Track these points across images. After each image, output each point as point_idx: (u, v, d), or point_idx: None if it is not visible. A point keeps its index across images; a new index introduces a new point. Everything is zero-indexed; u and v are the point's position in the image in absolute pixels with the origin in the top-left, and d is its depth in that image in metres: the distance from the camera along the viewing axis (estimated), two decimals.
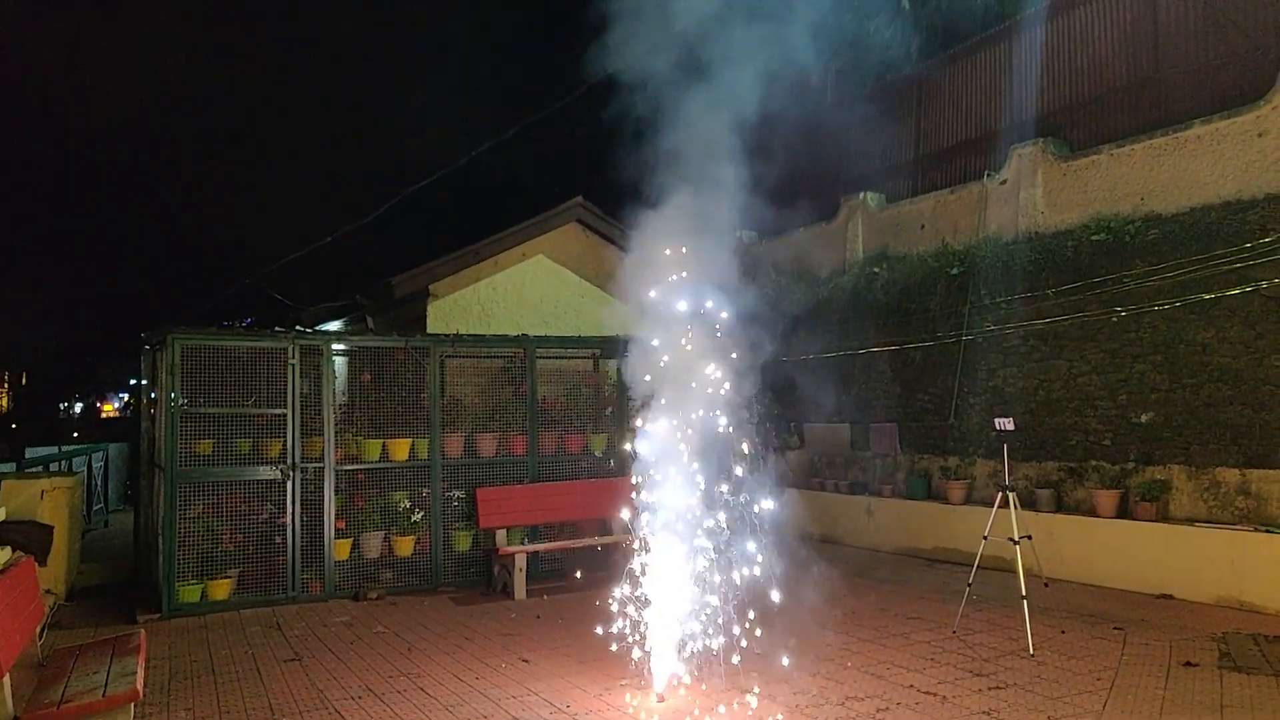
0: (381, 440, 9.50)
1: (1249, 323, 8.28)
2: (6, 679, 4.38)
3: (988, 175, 11.08)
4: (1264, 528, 7.87)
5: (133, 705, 4.69)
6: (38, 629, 5.66)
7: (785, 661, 6.18)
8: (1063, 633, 7.09)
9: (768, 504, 5.94)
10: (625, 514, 6.04)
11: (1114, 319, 9.28)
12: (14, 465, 14.06)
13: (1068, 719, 5.27)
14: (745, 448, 5.90)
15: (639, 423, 6.08)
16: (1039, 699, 5.61)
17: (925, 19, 13.15)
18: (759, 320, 6.31)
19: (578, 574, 8.19)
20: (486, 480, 9.87)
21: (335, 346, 9.63)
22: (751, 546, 5.89)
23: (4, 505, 7.59)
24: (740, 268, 6.48)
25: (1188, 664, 6.24)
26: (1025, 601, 6.75)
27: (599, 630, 6.19)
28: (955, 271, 11.00)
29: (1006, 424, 7.29)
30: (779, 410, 12.40)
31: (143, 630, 6.10)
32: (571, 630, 7.63)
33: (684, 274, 5.86)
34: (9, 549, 6.93)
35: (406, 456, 9.58)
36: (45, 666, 5.29)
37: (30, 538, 7.85)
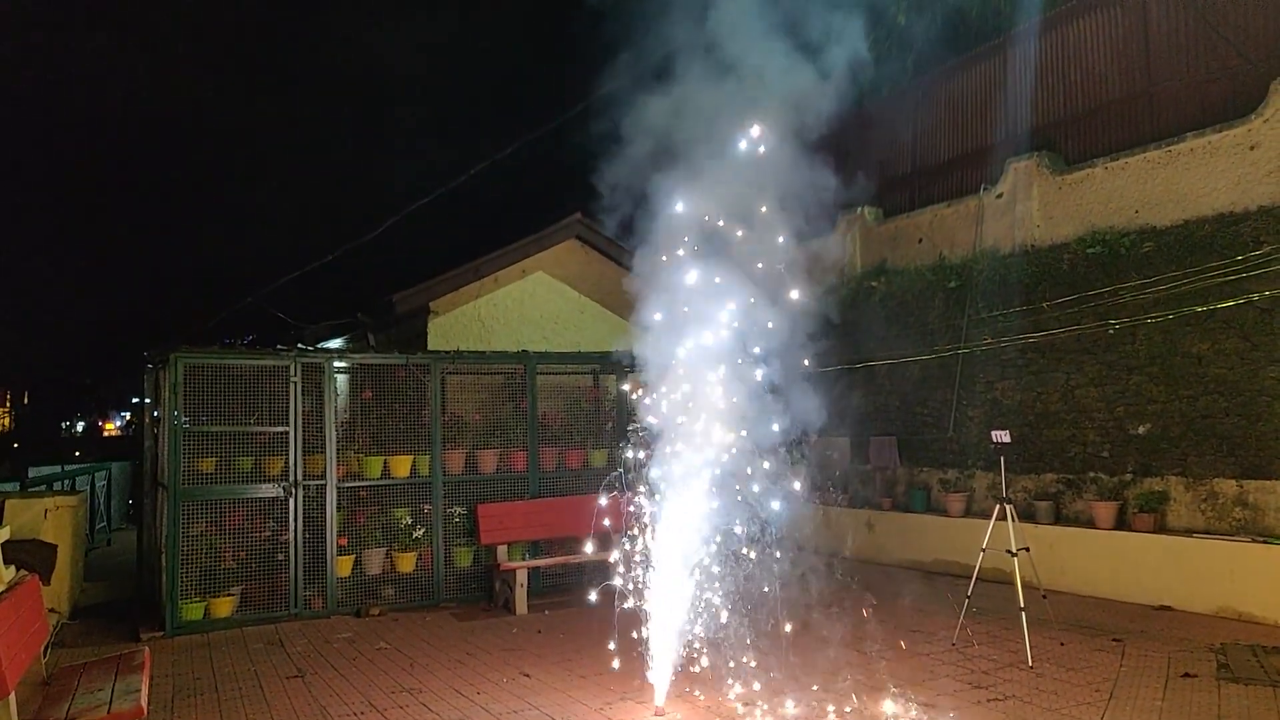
0: (383, 457, 9.56)
1: (1244, 334, 8.34)
2: (12, 697, 4.42)
3: (984, 189, 11.17)
4: (1261, 538, 7.91)
5: None
6: (43, 647, 5.70)
7: (784, 674, 6.20)
8: (1061, 644, 7.12)
9: (773, 518, 6.01)
10: (627, 527, 6.10)
11: (1110, 331, 9.34)
12: (17, 484, 14.11)
13: None
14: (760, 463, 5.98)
15: (641, 437, 6.14)
16: (1038, 711, 5.64)
17: (921, 33, 13.27)
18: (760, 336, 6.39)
19: (590, 596, 8.21)
20: (487, 496, 9.91)
21: (336, 364, 9.69)
22: (753, 560, 5.95)
23: (8, 524, 7.64)
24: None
25: (1186, 675, 6.27)
26: (1023, 613, 6.79)
27: (599, 644, 6.23)
28: (952, 285, 11.07)
29: (1004, 437, 7.35)
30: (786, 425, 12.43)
31: (146, 648, 6.14)
32: (572, 645, 7.66)
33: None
34: (13, 568, 6.98)
35: (408, 473, 9.63)
36: (50, 684, 5.33)
37: (34, 556, 7.88)
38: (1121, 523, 8.95)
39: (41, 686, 5.40)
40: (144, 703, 4.71)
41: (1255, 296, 8.23)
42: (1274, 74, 8.51)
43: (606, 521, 9.00)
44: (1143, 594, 8.49)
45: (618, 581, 6.22)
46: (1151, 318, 8.99)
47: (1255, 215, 8.40)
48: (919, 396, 11.44)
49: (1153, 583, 8.43)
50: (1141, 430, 9.08)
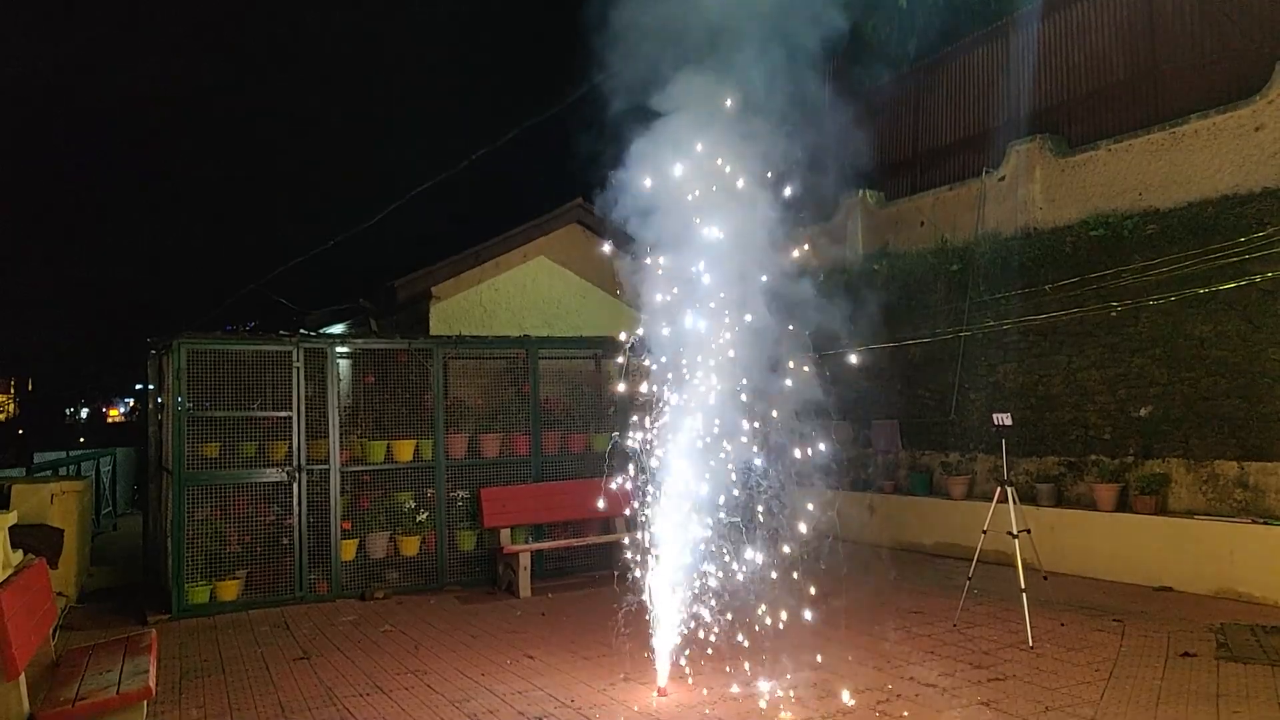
0: (386, 441, 9.60)
1: (1246, 316, 8.34)
2: (22, 678, 4.46)
3: (986, 172, 11.13)
4: (1262, 519, 7.93)
5: (145, 703, 4.79)
6: (51, 630, 5.75)
7: (787, 654, 6.25)
8: (1062, 625, 7.16)
9: (777, 502, 6.04)
10: (629, 510, 6.14)
11: (1112, 314, 9.34)
12: (23, 470, 14.19)
13: (1066, 709, 5.34)
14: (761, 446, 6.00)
15: (642, 421, 6.16)
16: (1038, 690, 5.68)
17: (923, 15, 13.20)
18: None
19: (591, 572, 8.25)
20: (490, 480, 9.96)
21: (339, 349, 9.72)
22: (755, 543, 5.98)
23: (15, 509, 7.68)
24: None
25: (1185, 655, 6.31)
26: (1024, 595, 6.82)
27: (602, 627, 6.28)
28: (955, 268, 11.06)
29: (1005, 419, 7.36)
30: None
31: (154, 630, 6.19)
32: (575, 627, 7.71)
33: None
34: (21, 552, 7.03)
35: (411, 457, 9.67)
36: (59, 666, 5.38)
37: (42, 540, 7.94)
38: (1123, 505, 8.98)
39: (51, 668, 5.45)
40: (152, 683, 4.76)
41: (1258, 278, 8.22)
42: (1279, 55, 8.46)
43: (609, 505, 9.04)
44: (1144, 575, 8.52)
45: (621, 564, 6.26)
46: (1154, 300, 8.98)
47: (1259, 197, 8.37)
48: (921, 380, 11.46)
49: (1153, 564, 8.46)
50: (1143, 412, 9.09)
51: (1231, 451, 8.38)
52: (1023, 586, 6.85)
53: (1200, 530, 8.19)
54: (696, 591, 6.00)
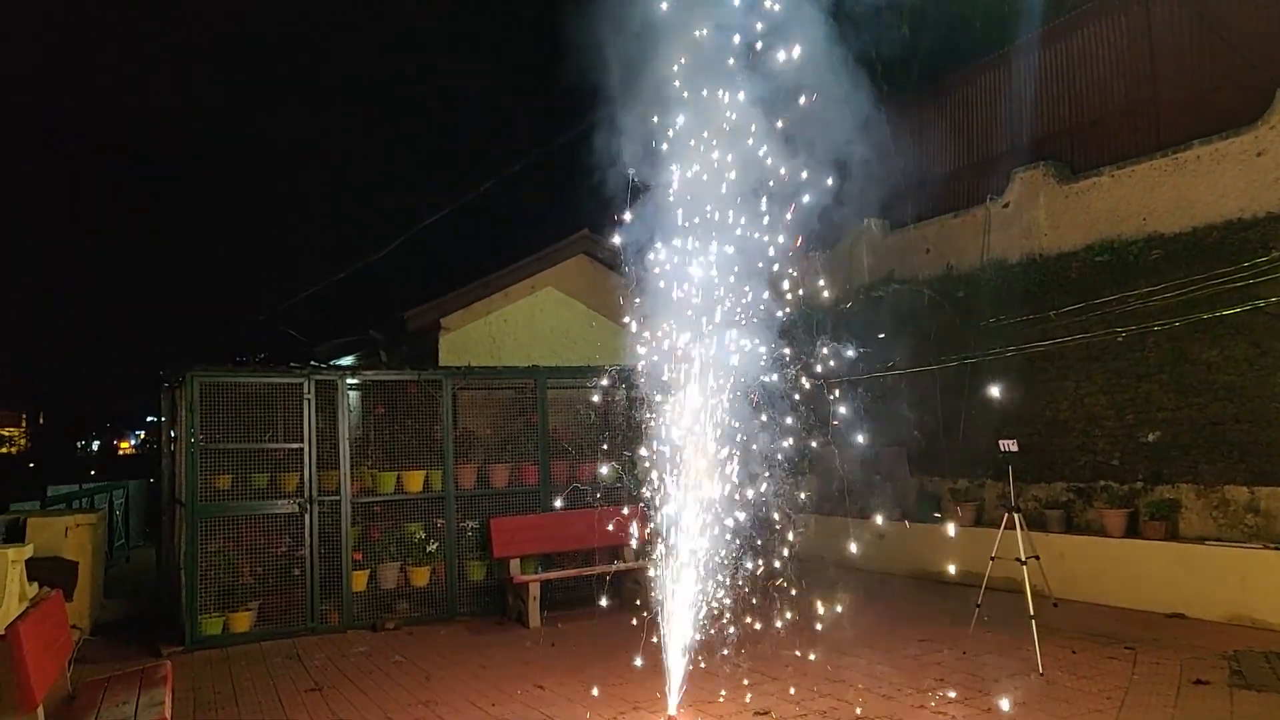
0: (396, 472, 9.65)
1: (1253, 340, 8.36)
2: (40, 710, 4.51)
3: (991, 198, 11.21)
4: (1274, 545, 7.90)
5: None
6: (67, 661, 5.79)
7: (798, 682, 6.25)
8: (1073, 652, 7.13)
9: (784, 527, 6.07)
10: (636, 539, 6.17)
11: (1119, 339, 9.37)
12: (37, 503, 14.27)
13: None
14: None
15: (648, 449, 6.20)
16: (1048, 718, 5.66)
17: (926, 44, 13.34)
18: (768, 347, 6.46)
19: (600, 602, 8.27)
20: (500, 510, 9.99)
21: (349, 381, 9.80)
22: (766, 569, 6.01)
23: (30, 542, 7.76)
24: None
25: (1198, 682, 6.27)
26: (1034, 622, 6.80)
27: (612, 656, 6.29)
28: (960, 295, 11.11)
29: (1011, 445, 7.38)
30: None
31: (169, 662, 6.23)
32: (585, 656, 7.71)
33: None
34: (36, 584, 7.09)
35: (421, 488, 9.72)
36: (76, 698, 5.42)
37: (56, 573, 8.00)
38: (1133, 531, 8.95)
39: (67, 701, 5.48)
40: (168, 715, 4.79)
41: (1263, 303, 8.25)
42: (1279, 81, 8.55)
43: (618, 534, 9.06)
44: (1155, 602, 8.48)
45: (630, 592, 6.28)
46: (1160, 325, 9.01)
47: (1263, 221, 8.43)
48: (928, 406, 11.47)
49: (1165, 590, 8.42)
50: (1151, 438, 9.09)
51: (1242, 476, 8.37)
52: (1032, 613, 6.83)
53: (1211, 556, 8.16)
54: (707, 619, 6.01)
